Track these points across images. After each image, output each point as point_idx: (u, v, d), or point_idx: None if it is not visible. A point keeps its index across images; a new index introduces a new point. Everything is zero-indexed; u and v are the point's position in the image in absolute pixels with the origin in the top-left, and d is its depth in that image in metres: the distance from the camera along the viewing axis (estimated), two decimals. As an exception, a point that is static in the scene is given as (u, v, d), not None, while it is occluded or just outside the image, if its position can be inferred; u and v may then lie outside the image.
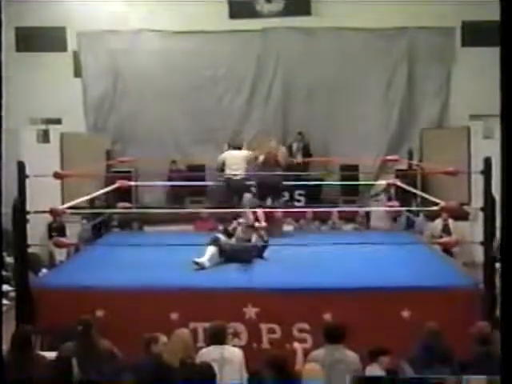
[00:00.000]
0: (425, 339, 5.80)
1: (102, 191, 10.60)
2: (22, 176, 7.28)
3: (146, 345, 5.71)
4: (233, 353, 5.88)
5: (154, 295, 7.20)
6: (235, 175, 10.26)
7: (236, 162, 10.32)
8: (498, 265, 6.85)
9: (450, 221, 12.18)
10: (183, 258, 8.22)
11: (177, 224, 11.76)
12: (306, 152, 13.96)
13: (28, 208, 7.30)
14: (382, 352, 5.71)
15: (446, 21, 13.96)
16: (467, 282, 7.44)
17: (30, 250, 7.50)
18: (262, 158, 10.49)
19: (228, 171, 10.34)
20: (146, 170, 13.45)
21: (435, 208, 8.05)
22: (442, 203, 7.80)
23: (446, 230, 12.17)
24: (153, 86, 14.26)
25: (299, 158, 13.74)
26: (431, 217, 12.52)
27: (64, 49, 14.34)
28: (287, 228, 12.18)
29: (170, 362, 5.55)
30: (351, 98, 14.25)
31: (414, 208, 11.58)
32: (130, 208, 11.82)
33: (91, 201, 11.00)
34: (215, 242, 8.41)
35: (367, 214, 13.14)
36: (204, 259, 8.14)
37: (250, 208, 9.46)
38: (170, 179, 13.55)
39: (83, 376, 5.46)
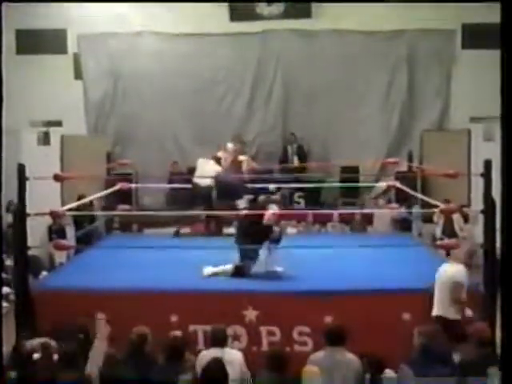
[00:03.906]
0: (423, 340, 5.79)
1: (101, 193, 10.61)
2: (22, 178, 7.29)
3: (136, 344, 5.68)
4: (233, 355, 5.88)
5: (153, 297, 7.21)
6: (201, 181, 10.44)
7: (206, 167, 10.56)
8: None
9: (456, 220, 12.18)
10: (183, 260, 8.22)
11: (177, 226, 11.74)
12: (301, 153, 13.93)
13: (28, 210, 7.30)
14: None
15: (447, 23, 13.95)
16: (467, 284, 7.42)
17: (30, 253, 7.49)
18: (228, 162, 10.59)
19: (197, 175, 10.66)
20: (147, 173, 13.44)
21: (434, 210, 8.04)
22: (442, 205, 7.81)
23: (446, 231, 12.16)
24: (153, 88, 14.25)
25: (295, 161, 13.73)
26: (430, 219, 12.53)
27: (64, 51, 14.33)
28: (290, 231, 12.18)
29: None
30: (351, 100, 14.24)
31: (413, 210, 11.57)
32: (129, 210, 11.82)
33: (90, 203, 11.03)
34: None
35: (367, 216, 13.09)
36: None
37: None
38: (170, 182, 13.52)
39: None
